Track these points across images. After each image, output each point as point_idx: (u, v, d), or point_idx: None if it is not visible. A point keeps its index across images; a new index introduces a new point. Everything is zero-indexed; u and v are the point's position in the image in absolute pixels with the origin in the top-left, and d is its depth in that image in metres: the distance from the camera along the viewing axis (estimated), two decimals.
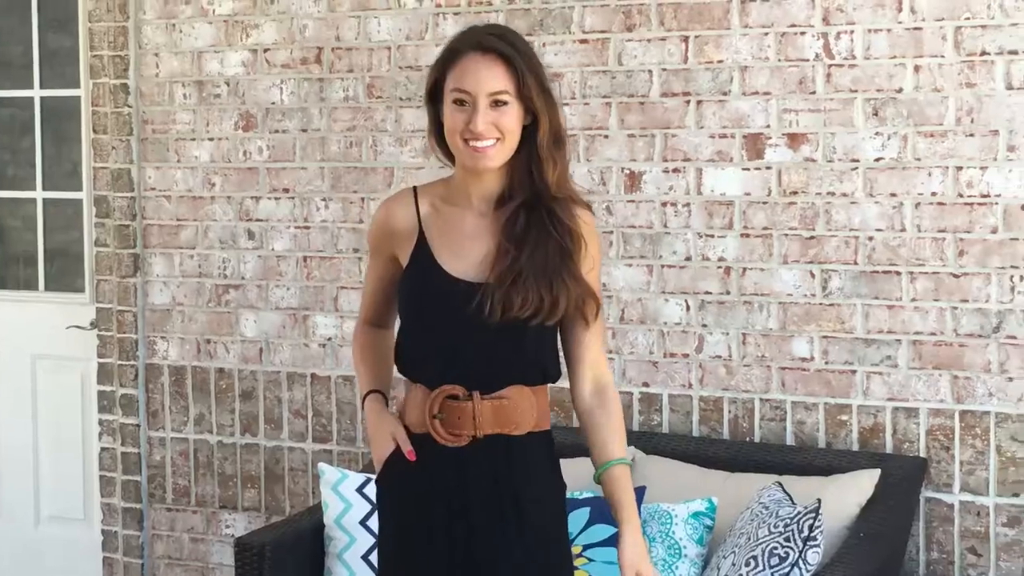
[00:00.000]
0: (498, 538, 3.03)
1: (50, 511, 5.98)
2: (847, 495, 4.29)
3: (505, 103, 3.01)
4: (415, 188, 3.19)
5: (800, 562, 3.93)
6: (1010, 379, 4.38)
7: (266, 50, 5.32)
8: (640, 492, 4.28)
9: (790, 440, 4.65)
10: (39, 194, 5.92)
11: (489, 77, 3.01)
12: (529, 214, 3.05)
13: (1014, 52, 4.32)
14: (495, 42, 3.02)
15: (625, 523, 3.06)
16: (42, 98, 5.89)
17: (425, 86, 3.12)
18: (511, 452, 3.05)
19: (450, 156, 3.11)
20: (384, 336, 3.28)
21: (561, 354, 3.15)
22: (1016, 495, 4.39)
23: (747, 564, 3.95)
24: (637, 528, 3.07)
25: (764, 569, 3.93)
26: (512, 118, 3.02)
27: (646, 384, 4.81)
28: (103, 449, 5.68)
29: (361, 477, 4.56)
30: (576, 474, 4.39)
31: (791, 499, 4.13)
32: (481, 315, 2.99)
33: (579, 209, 3.10)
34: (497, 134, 3.01)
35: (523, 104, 3.02)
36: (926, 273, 4.47)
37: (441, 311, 3.05)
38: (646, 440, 4.68)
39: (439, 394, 3.04)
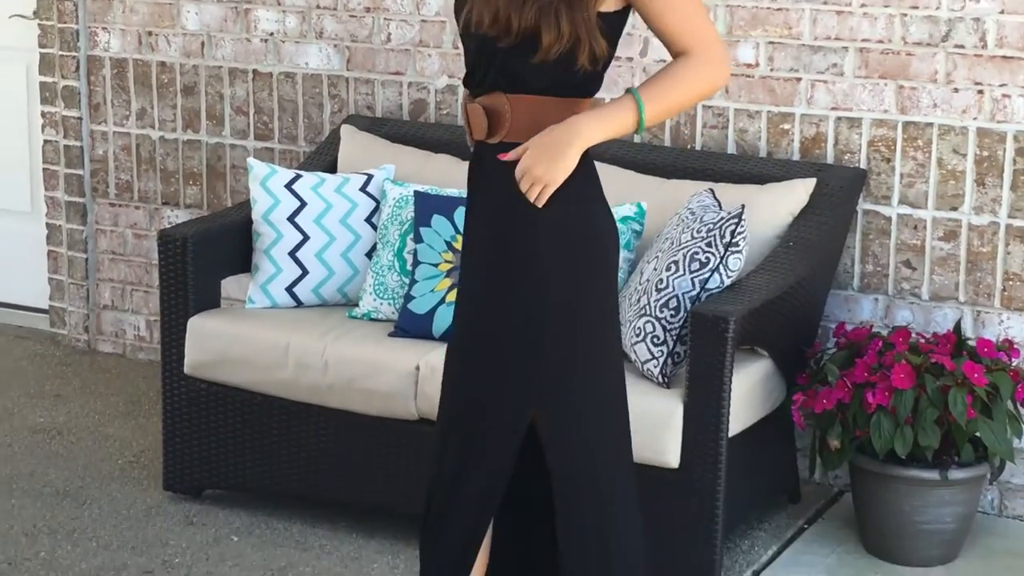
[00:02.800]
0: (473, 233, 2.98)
1: None
2: (780, 204, 4.21)
3: None
4: None
5: (721, 267, 3.87)
6: (955, 90, 4.25)
7: None
8: None
9: (731, 148, 4.55)
10: None
11: None
12: None
13: None
14: None
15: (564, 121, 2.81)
16: None
17: None
18: (484, 156, 2.92)
19: None
20: None
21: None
22: (954, 209, 4.31)
23: (668, 269, 3.90)
24: (576, 120, 2.79)
25: (684, 274, 3.87)
26: None
27: None
28: (46, 142, 5.59)
29: (291, 173, 4.48)
30: None
31: (720, 205, 4.05)
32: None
33: None
34: None
35: None
36: None
37: (464, 9, 2.92)
38: None
39: (470, 100, 2.93)
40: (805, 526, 4.32)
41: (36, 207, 5.78)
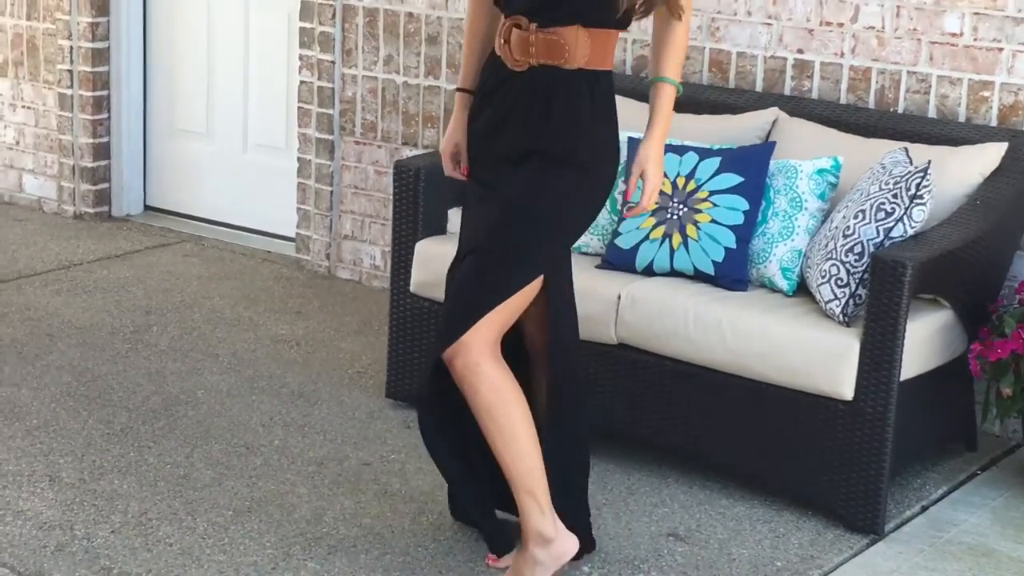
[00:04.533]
0: (521, 138, 3.56)
1: (256, 139, 6.50)
2: (971, 165, 4.45)
3: None
4: None
5: (905, 218, 4.14)
6: None
7: None
8: (770, 147, 4.52)
9: (932, 112, 4.80)
10: None
11: None
12: None
13: None
14: None
15: (649, 130, 3.56)
16: None
17: None
18: (557, 79, 3.50)
19: None
20: (493, 18, 3.66)
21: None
22: None
23: (855, 217, 4.19)
24: (658, 137, 3.56)
25: (870, 223, 4.15)
26: None
27: (800, 51, 4.98)
28: (302, 83, 6.11)
29: None
30: (693, 128, 4.65)
31: (910, 162, 4.31)
32: None
33: None
34: None
35: None
36: None
37: None
38: (794, 104, 4.88)
39: (507, 22, 3.51)
40: (978, 472, 4.57)
41: (289, 143, 6.31)
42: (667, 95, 3.58)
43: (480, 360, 3.51)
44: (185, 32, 6.62)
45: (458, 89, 3.76)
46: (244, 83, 6.48)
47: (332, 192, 6.10)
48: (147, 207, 6.88)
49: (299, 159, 6.18)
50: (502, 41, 3.53)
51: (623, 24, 3.52)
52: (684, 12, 3.54)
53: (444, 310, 3.69)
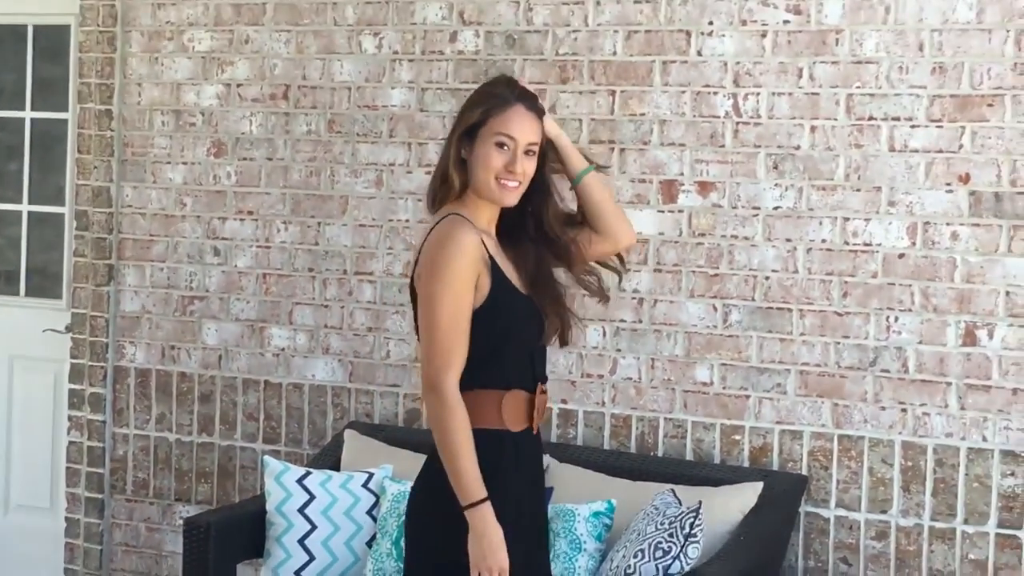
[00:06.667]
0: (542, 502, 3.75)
1: (18, 500, 6.48)
2: (732, 503, 4.81)
3: (533, 153, 3.58)
4: (462, 216, 3.55)
5: (681, 555, 4.44)
6: (883, 408, 4.93)
7: (239, 85, 5.87)
8: (548, 493, 4.81)
9: (689, 456, 5.18)
10: (25, 207, 6.45)
11: (531, 130, 3.55)
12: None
13: (897, 118, 4.89)
14: (534, 101, 3.59)
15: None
16: (32, 120, 6.43)
17: (466, 121, 3.55)
18: (533, 441, 3.66)
19: (463, 185, 3.57)
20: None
21: None
22: (884, 512, 4.92)
23: (635, 556, 4.47)
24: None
25: (649, 560, 4.45)
26: (534, 166, 3.58)
27: (564, 401, 5.34)
28: (71, 443, 6.17)
29: (301, 470, 5.07)
30: None
31: (680, 502, 4.65)
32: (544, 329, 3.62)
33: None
34: (523, 178, 3.56)
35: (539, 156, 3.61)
36: (814, 311, 5.01)
37: (528, 325, 3.59)
38: (561, 451, 5.20)
39: (540, 391, 3.60)
40: None
41: (55, 503, 6.31)
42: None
43: None
44: None
45: (482, 501, 3.42)
46: (6, 444, 6.49)
47: (102, 550, 6.11)
48: None
49: (67, 518, 6.18)
50: (531, 409, 3.57)
51: None
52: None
53: None
